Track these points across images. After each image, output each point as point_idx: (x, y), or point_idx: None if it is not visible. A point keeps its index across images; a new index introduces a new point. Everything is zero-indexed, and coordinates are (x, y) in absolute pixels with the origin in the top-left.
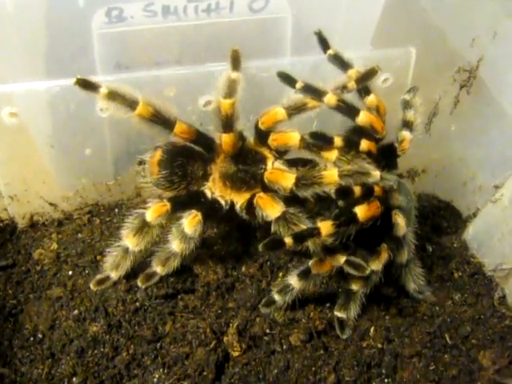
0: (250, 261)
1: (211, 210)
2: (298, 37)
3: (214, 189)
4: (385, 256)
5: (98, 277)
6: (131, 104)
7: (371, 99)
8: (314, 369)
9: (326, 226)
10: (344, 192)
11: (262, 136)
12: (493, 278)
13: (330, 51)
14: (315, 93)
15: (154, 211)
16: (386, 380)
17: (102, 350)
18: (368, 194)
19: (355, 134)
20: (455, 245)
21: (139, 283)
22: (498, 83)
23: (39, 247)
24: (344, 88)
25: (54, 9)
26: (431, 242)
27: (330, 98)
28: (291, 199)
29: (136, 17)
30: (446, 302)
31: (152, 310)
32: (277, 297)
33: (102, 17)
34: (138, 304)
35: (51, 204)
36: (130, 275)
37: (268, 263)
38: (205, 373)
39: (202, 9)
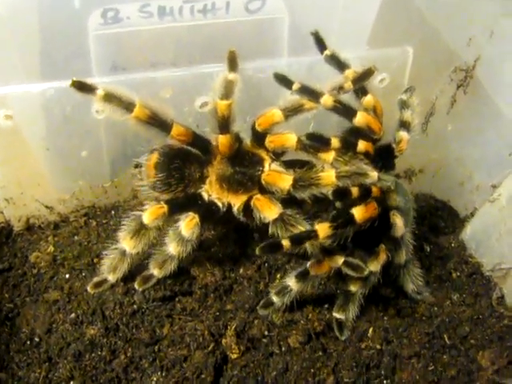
0: (248, 262)
1: (208, 213)
2: (294, 37)
3: (211, 191)
4: (383, 257)
5: (95, 279)
6: (128, 106)
7: (368, 99)
8: (312, 370)
9: (323, 229)
10: (341, 193)
11: (259, 137)
12: (491, 278)
13: (327, 52)
14: (312, 94)
15: (151, 213)
16: (384, 381)
17: (99, 353)
18: (366, 194)
19: (352, 135)
20: (453, 245)
21: (136, 286)
22: (495, 83)
23: (35, 250)
24: (341, 89)
25: (49, 10)
26: (429, 242)
27: (327, 99)
28: (288, 201)
29: (132, 18)
30: (444, 303)
31: (149, 313)
32: (275, 298)
33: (97, 18)
34: (135, 307)
35: (47, 207)
36: (127, 278)
37: (266, 265)
38: (203, 375)
39: (198, 9)
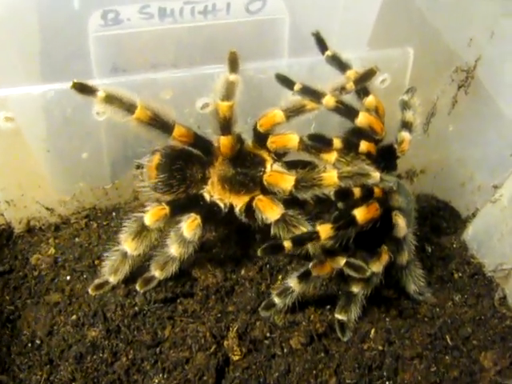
0: (250, 264)
1: (210, 214)
2: (295, 38)
3: (213, 192)
4: (385, 258)
5: (97, 281)
6: (129, 108)
7: (370, 100)
8: (314, 372)
9: (325, 230)
10: (343, 194)
11: (261, 138)
12: (493, 279)
13: (328, 52)
14: (314, 94)
15: (152, 215)
16: (387, 382)
17: (100, 355)
18: (368, 195)
19: (354, 136)
20: (455, 245)
21: (138, 288)
22: (496, 83)
23: (36, 252)
24: (342, 89)
25: (49, 11)
26: (431, 243)
27: (329, 100)
28: (290, 201)
29: (132, 19)
30: (446, 303)
31: (151, 315)
32: (277, 300)
33: (98, 19)
34: (136, 309)
35: (48, 209)
36: (129, 280)
37: (267, 266)
38: (205, 377)
39: (199, 11)
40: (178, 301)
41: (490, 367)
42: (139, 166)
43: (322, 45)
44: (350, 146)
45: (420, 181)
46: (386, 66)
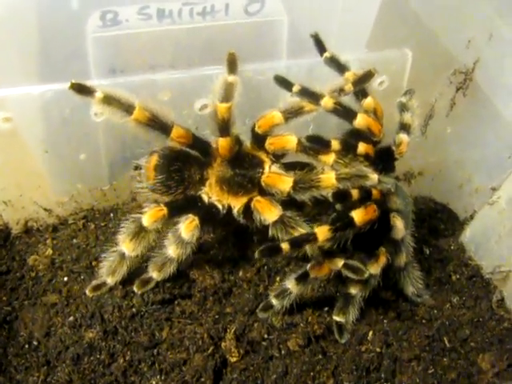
0: (247, 265)
1: (208, 215)
2: (293, 40)
3: (211, 193)
4: (383, 259)
5: (94, 282)
6: (127, 108)
7: (368, 102)
8: (312, 374)
9: (322, 232)
10: (341, 195)
11: (259, 140)
12: (491, 281)
13: (327, 54)
14: (312, 96)
15: (150, 216)
16: None
17: (98, 356)
18: (366, 197)
19: (352, 137)
20: (452, 247)
21: (135, 289)
22: (494, 85)
23: (34, 253)
24: (341, 91)
25: (47, 12)
26: (428, 245)
27: (327, 101)
28: (288, 203)
29: (131, 20)
30: (444, 305)
31: (148, 316)
32: (274, 301)
33: (96, 20)
34: (134, 310)
35: (46, 209)
36: (126, 281)
37: (265, 267)
38: (202, 379)
39: (197, 12)
40: (176, 302)
41: (488, 369)
42: (137, 167)
43: (320, 46)
44: (348, 147)
45: (418, 183)
46: (385, 68)
